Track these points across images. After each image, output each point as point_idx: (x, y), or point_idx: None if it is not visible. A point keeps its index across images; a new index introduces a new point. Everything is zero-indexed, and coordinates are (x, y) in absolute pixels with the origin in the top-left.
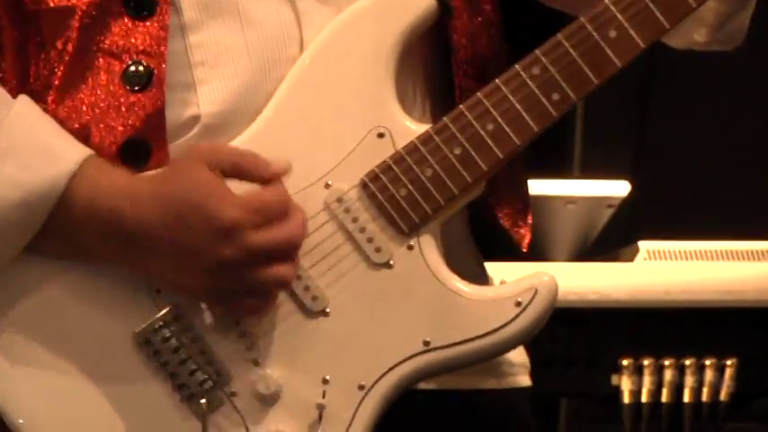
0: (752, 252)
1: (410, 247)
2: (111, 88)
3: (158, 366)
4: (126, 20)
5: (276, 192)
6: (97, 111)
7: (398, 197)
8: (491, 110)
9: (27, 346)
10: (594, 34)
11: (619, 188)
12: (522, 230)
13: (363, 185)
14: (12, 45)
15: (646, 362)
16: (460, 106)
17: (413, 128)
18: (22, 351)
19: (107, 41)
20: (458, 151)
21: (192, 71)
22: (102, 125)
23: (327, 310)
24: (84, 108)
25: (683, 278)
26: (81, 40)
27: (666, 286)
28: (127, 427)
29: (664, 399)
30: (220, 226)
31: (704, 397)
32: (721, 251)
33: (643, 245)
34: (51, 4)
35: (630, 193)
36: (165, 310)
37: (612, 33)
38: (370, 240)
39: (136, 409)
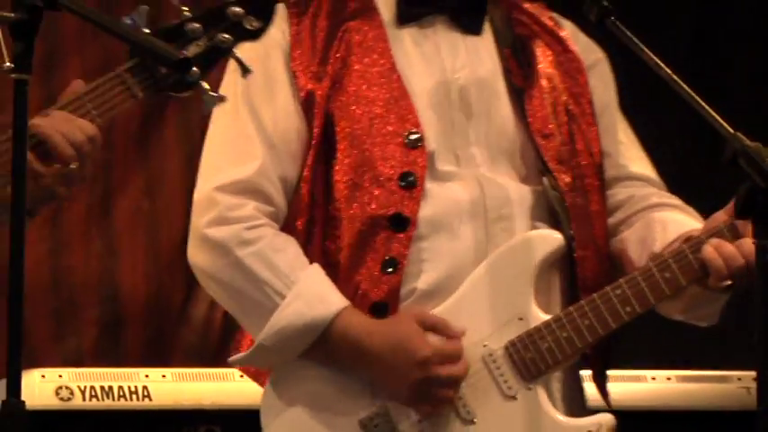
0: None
1: (529, 389)
2: (375, 273)
3: None
4: (389, 233)
5: (454, 345)
6: (363, 285)
7: (526, 358)
8: (588, 313)
9: (290, 413)
10: (642, 282)
11: None
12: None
13: (506, 347)
14: (318, 222)
15: None
16: (570, 308)
17: (541, 316)
18: (286, 413)
19: (376, 244)
20: (565, 334)
21: (419, 264)
22: (362, 292)
23: (475, 420)
24: (357, 280)
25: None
26: (359, 239)
27: None
28: None
29: None
30: (417, 358)
31: None
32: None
33: None
34: (343, 215)
35: None
36: (377, 406)
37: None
38: (505, 381)
39: None
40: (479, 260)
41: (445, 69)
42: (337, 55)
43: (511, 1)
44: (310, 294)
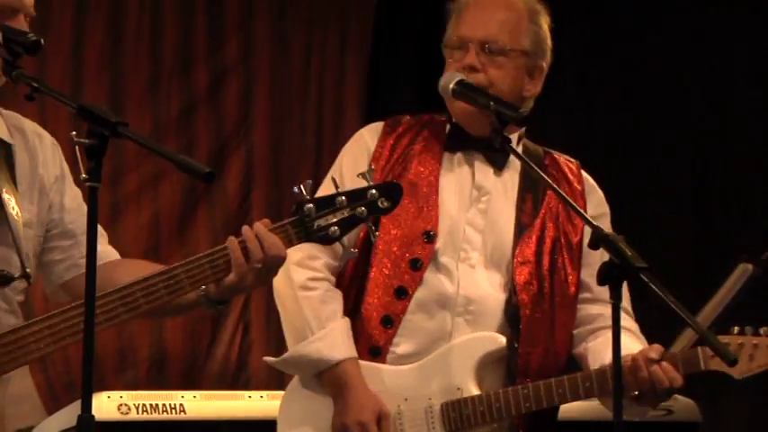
0: None
1: None
2: (374, 324)
3: None
4: (392, 299)
5: None
6: (367, 332)
7: (451, 417)
8: (501, 399)
9: (298, 413)
10: (553, 390)
11: None
12: None
13: (441, 406)
14: (356, 282)
15: None
16: (491, 392)
17: (474, 391)
18: (295, 417)
19: (383, 302)
20: (481, 409)
21: (402, 331)
22: (361, 344)
23: None
24: (369, 327)
25: None
26: (376, 299)
27: None
28: None
29: None
30: (359, 418)
31: None
32: None
33: None
34: (371, 279)
35: None
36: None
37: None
38: (433, 428)
39: None
40: (443, 339)
41: (472, 193)
42: (399, 163)
43: (548, 150)
44: (330, 340)
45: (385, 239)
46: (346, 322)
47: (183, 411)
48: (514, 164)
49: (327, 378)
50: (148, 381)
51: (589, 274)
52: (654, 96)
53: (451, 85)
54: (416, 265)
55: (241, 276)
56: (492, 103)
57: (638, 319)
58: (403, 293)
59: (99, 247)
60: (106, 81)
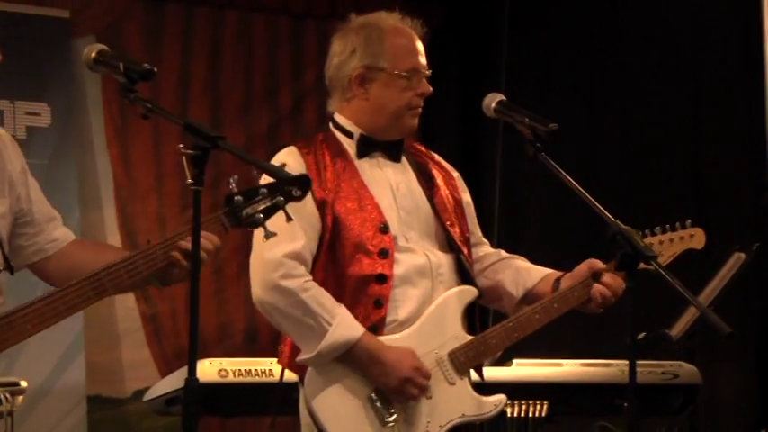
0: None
1: (461, 378)
2: (369, 308)
3: (376, 408)
4: (376, 284)
5: (428, 372)
6: (361, 316)
7: (461, 360)
8: (495, 336)
9: (331, 390)
10: (533, 317)
11: None
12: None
13: (449, 353)
14: (330, 278)
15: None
16: (485, 332)
17: (468, 336)
18: (327, 392)
19: (368, 291)
20: (482, 348)
21: (395, 303)
22: (360, 319)
23: (432, 397)
24: (356, 313)
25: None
26: (356, 288)
27: (518, 374)
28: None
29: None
30: (414, 364)
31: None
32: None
33: (516, 360)
34: (347, 274)
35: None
36: (376, 389)
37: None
38: (449, 374)
39: (365, 424)
40: (429, 301)
41: (391, 185)
42: (332, 177)
43: (408, 143)
44: (346, 322)
45: (349, 241)
46: (344, 307)
47: (272, 375)
48: (402, 156)
49: (354, 354)
50: (243, 349)
51: (472, 224)
52: (649, 94)
53: (493, 105)
54: (386, 254)
55: (183, 269)
56: (527, 120)
57: (647, 300)
58: (383, 279)
59: (58, 232)
60: (207, 103)
